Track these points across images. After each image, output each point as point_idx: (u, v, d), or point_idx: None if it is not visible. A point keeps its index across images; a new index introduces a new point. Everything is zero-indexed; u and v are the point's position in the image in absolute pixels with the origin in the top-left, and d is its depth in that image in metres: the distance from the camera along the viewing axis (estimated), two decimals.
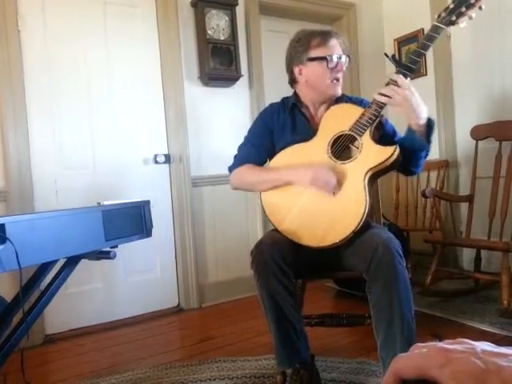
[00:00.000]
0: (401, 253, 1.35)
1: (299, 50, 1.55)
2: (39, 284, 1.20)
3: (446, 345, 0.39)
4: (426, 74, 3.26)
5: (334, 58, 1.51)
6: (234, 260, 2.86)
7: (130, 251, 2.33)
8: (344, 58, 1.54)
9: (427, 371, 0.37)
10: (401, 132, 1.55)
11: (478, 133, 2.61)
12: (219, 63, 2.77)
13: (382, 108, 1.41)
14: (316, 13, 3.31)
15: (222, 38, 2.78)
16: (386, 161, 1.38)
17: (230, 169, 1.65)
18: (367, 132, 1.41)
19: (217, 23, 2.76)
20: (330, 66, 1.51)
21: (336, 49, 1.53)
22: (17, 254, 0.96)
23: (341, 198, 1.40)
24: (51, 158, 2.35)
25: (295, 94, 1.65)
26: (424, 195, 2.44)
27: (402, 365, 0.40)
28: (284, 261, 1.37)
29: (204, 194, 2.80)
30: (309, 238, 1.41)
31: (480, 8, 1.37)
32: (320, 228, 1.40)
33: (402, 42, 3.41)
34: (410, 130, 1.44)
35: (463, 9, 1.37)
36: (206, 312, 2.65)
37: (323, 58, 1.51)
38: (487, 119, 2.74)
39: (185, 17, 2.75)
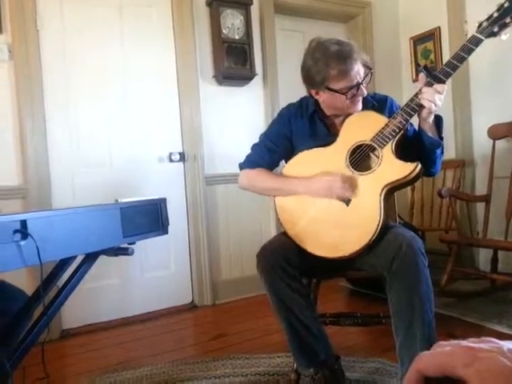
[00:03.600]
0: (424, 252, 1.33)
1: (317, 76, 1.42)
2: (58, 279, 1.22)
3: (470, 343, 0.39)
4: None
5: (355, 90, 1.41)
6: (247, 258, 2.87)
7: (145, 248, 2.36)
8: (366, 79, 1.43)
9: (452, 369, 0.37)
10: None
11: (496, 132, 2.57)
12: (234, 62, 2.78)
13: (407, 121, 1.35)
14: (331, 11, 3.29)
15: (237, 38, 2.79)
16: (405, 178, 1.33)
17: (241, 167, 1.62)
18: (389, 144, 1.35)
19: (232, 22, 2.77)
20: (350, 96, 1.41)
21: (356, 77, 1.40)
22: (38, 249, 0.97)
23: (355, 211, 1.36)
24: (68, 156, 2.39)
25: (316, 101, 1.54)
26: (440, 195, 2.42)
27: (425, 362, 0.40)
28: (288, 263, 1.35)
29: (218, 193, 2.82)
30: (317, 248, 1.39)
31: None
32: (330, 239, 1.38)
33: (417, 40, 3.37)
34: (422, 131, 1.40)
35: (508, 19, 1.25)
36: (220, 309, 2.67)
37: (343, 92, 1.41)
38: (505, 118, 2.69)
39: (200, 16, 2.76)
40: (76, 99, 2.42)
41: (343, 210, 1.38)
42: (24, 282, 1.95)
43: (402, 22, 3.55)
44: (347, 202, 1.38)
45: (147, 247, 2.36)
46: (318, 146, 1.48)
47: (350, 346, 1.92)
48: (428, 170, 1.48)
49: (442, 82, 1.32)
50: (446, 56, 3.12)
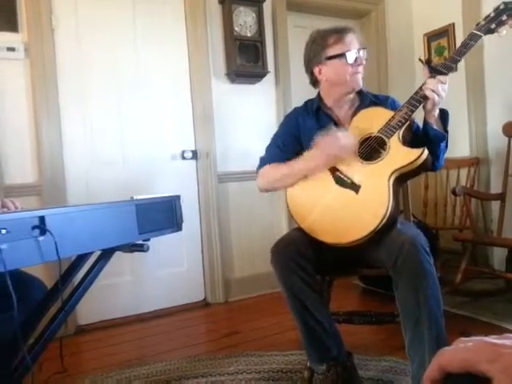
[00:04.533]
0: (427, 249, 1.33)
1: (316, 50, 1.55)
2: (75, 275, 1.24)
3: (493, 339, 0.39)
4: (456, 70, 3.17)
5: (353, 53, 1.51)
6: (259, 255, 2.87)
7: (158, 245, 2.37)
8: (362, 52, 1.54)
9: (475, 365, 0.37)
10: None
11: (511, 129, 2.53)
12: (246, 60, 2.78)
13: (413, 111, 1.40)
14: (343, 8, 3.27)
15: (249, 35, 2.79)
16: (412, 163, 1.35)
17: (257, 170, 1.66)
18: (396, 134, 1.40)
19: (244, 20, 2.77)
20: (350, 61, 1.51)
21: (353, 44, 1.52)
22: (56, 245, 0.99)
23: (364, 197, 1.38)
24: (82, 154, 2.42)
25: (319, 95, 1.65)
26: (454, 193, 2.39)
27: (447, 358, 0.39)
28: (302, 257, 1.36)
29: (230, 190, 2.83)
30: (328, 236, 1.40)
31: None
32: (341, 226, 1.39)
33: (431, 36, 3.33)
34: (427, 123, 1.43)
35: (504, 17, 1.34)
36: (232, 306, 2.68)
37: (342, 55, 1.51)
38: None
39: (212, 14, 2.77)
40: (90, 97, 2.45)
41: (353, 198, 1.39)
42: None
43: (415, 18, 3.51)
44: (357, 189, 1.39)
45: (160, 244, 2.38)
46: None
47: (364, 345, 1.92)
48: (431, 164, 1.49)
49: (444, 74, 1.39)
50: None
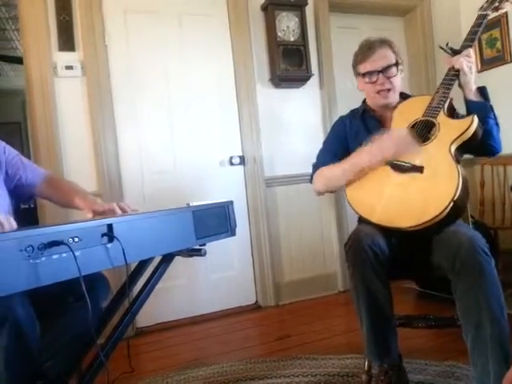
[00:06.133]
0: (487, 250, 1.28)
1: (353, 64, 1.66)
2: (139, 279, 1.31)
3: None
4: (511, 61, 3.04)
5: (373, 75, 1.57)
6: (308, 259, 2.88)
7: (209, 250, 2.42)
8: (392, 70, 1.57)
9: None
10: None
11: None
12: (290, 64, 2.80)
13: (449, 89, 1.47)
14: (387, 5, 3.22)
15: (292, 39, 2.81)
16: (466, 131, 1.39)
17: (311, 177, 1.68)
18: (441, 112, 1.45)
19: (287, 25, 2.79)
20: (368, 81, 1.59)
21: (377, 63, 1.57)
22: (123, 251, 1.05)
23: (430, 174, 1.38)
24: (137, 164, 2.53)
25: (364, 100, 1.73)
26: None
27: None
28: (382, 253, 1.35)
29: (278, 194, 2.85)
30: (407, 220, 1.36)
31: None
32: (415, 208, 1.36)
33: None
34: (467, 101, 1.48)
35: None
36: (283, 310, 2.69)
37: (364, 75, 1.60)
38: None
39: (255, 21, 2.81)
40: (142, 109, 2.56)
41: (420, 178, 1.39)
42: None
43: (463, 10, 3.38)
44: (421, 170, 1.39)
45: (211, 249, 2.40)
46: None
47: (422, 349, 1.87)
48: (488, 146, 1.48)
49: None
50: None
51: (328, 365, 1.79)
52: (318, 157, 1.71)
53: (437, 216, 1.32)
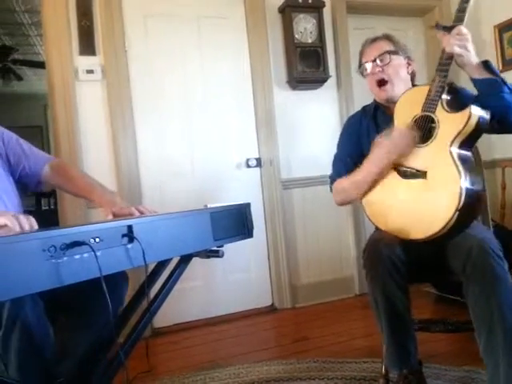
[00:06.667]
0: (499, 253, 1.25)
1: (358, 65, 1.67)
2: (157, 279, 1.32)
3: None
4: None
5: (367, 65, 1.57)
6: (325, 262, 2.86)
7: (226, 251, 2.44)
8: (385, 58, 1.53)
9: None
10: None
11: None
12: (307, 66, 2.80)
13: (446, 76, 1.36)
14: (405, 6, 3.19)
15: (310, 41, 2.81)
16: (465, 126, 1.29)
17: (330, 189, 1.67)
18: (439, 106, 1.36)
19: (304, 27, 2.79)
20: (365, 73, 1.59)
21: (370, 54, 1.57)
22: (143, 251, 1.06)
23: (433, 182, 1.33)
24: (156, 166, 2.56)
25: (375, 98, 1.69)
26: None
27: None
28: (399, 259, 1.33)
29: (294, 196, 2.84)
30: (415, 232, 1.35)
31: None
32: (422, 220, 1.34)
33: (503, 27, 3.14)
34: (475, 81, 1.36)
35: None
36: (300, 312, 2.68)
37: (360, 67, 1.61)
38: None
39: (273, 24, 2.82)
40: (161, 112, 2.59)
41: (424, 185, 1.35)
42: None
43: (483, 9, 3.32)
44: (424, 175, 1.35)
45: (228, 251, 2.43)
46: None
47: (440, 354, 1.84)
48: (508, 121, 1.36)
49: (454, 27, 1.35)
50: None
51: (345, 368, 1.77)
52: (333, 165, 1.69)
53: (442, 228, 1.29)
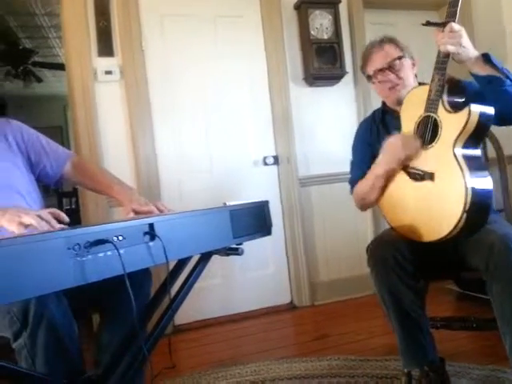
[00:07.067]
0: None
1: (360, 68, 1.68)
2: (178, 277, 1.34)
3: None
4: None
5: (380, 73, 1.55)
6: (344, 259, 2.84)
7: (244, 249, 2.45)
8: (395, 63, 1.52)
9: None
10: None
11: None
12: (323, 62, 2.78)
13: (444, 75, 1.33)
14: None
15: (326, 37, 2.79)
16: (466, 126, 1.27)
17: (351, 194, 1.67)
18: (440, 106, 1.34)
19: (320, 23, 2.77)
20: (375, 81, 1.57)
21: (378, 62, 1.55)
22: (165, 249, 1.08)
23: (440, 184, 1.32)
24: (175, 164, 2.59)
25: (383, 101, 1.67)
26: None
27: None
28: (403, 256, 1.32)
29: (312, 194, 2.83)
30: (428, 235, 1.34)
31: None
32: (433, 221, 1.33)
33: None
34: (475, 77, 1.33)
35: None
36: (319, 310, 2.67)
37: (369, 77, 1.60)
38: None
39: (288, 20, 2.81)
40: (179, 111, 2.61)
41: (432, 187, 1.34)
42: None
43: (505, 4, 3.24)
44: (432, 177, 1.34)
45: (246, 248, 2.44)
46: None
47: (463, 352, 1.81)
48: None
49: (446, 24, 1.30)
50: None
51: (366, 366, 1.76)
52: (351, 170, 1.70)
53: (452, 231, 1.27)
